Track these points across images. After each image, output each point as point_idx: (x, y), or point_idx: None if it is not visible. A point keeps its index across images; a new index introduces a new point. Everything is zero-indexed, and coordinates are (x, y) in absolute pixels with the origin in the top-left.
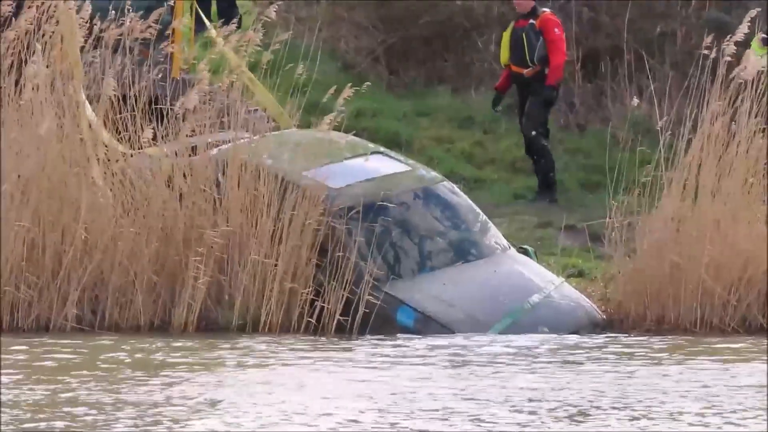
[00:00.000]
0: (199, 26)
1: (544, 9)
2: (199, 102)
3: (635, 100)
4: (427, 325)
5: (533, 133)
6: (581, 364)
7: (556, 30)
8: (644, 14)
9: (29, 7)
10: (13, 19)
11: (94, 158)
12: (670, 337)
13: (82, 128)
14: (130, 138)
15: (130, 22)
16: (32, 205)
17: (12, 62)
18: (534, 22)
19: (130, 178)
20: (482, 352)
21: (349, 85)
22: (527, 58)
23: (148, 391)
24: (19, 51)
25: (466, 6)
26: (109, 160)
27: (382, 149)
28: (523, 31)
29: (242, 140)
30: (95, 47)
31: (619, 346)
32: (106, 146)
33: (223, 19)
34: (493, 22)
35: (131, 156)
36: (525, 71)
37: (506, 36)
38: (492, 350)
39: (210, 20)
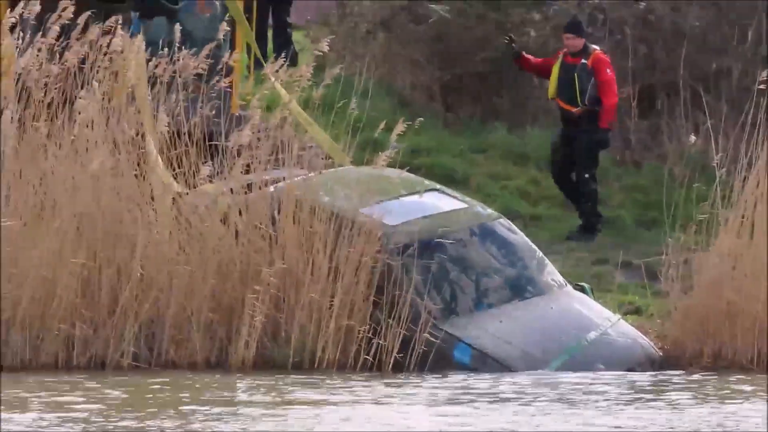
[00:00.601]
0: (257, 63)
1: (595, 47)
2: (253, 138)
3: (692, 137)
4: (483, 362)
5: (586, 175)
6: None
7: (608, 71)
8: (700, 50)
9: (77, 39)
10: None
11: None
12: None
13: (155, 179)
14: (185, 174)
15: (183, 59)
16: (87, 241)
17: (63, 95)
18: (586, 61)
19: (186, 215)
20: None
21: (402, 120)
22: (578, 97)
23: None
24: (70, 85)
25: (521, 42)
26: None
27: (438, 186)
28: (574, 69)
29: (298, 177)
30: (151, 84)
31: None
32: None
33: (278, 56)
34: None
35: (186, 194)
36: (575, 110)
37: (555, 70)
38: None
39: (266, 57)
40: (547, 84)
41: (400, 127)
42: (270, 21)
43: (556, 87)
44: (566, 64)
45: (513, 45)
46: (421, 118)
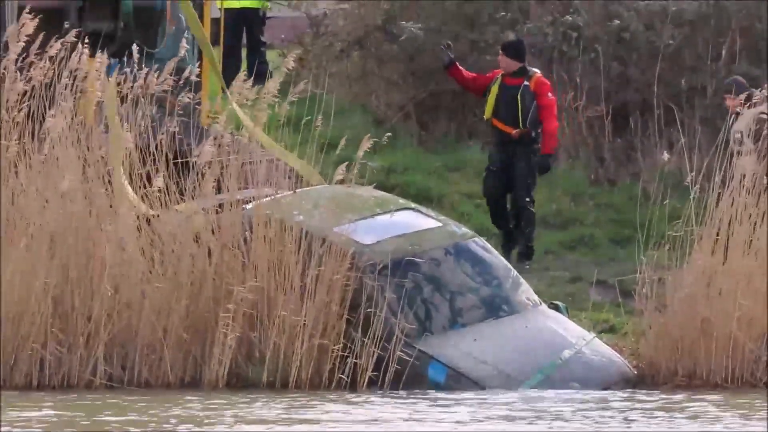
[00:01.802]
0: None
1: (536, 70)
2: (217, 155)
3: (665, 155)
4: (458, 381)
5: (527, 199)
6: None
7: (549, 95)
8: (674, 68)
9: (39, 57)
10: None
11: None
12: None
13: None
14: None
15: (146, 78)
16: (59, 260)
17: (27, 114)
18: (528, 83)
19: (159, 234)
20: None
21: (368, 136)
22: (519, 119)
23: None
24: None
25: (496, 60)
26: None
27: (412, 205)
28: (515, 90)
29: (271, 197)
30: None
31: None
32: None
33: (252, 75)
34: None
35: (156, 217)
36: (513, 132)
37: (494, 90)
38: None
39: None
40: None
41: (366, 144)
42: (243, 40)
43: (493, 108)
44: (506, 85)
45: (449, 52)
46: (389, 133)
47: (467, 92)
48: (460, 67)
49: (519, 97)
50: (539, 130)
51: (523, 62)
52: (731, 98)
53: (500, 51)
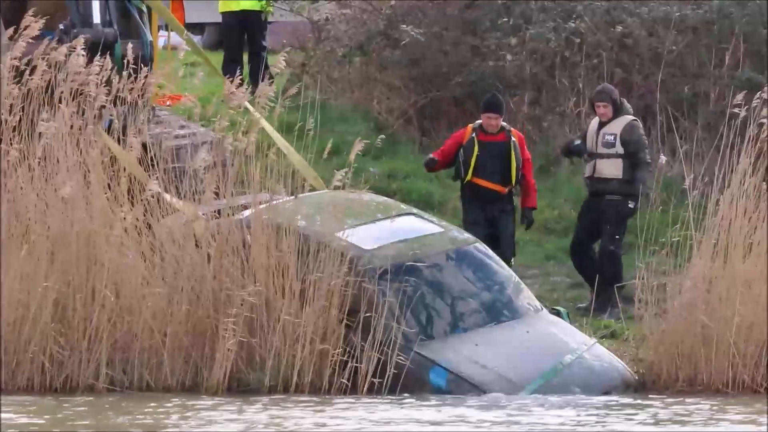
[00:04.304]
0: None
1: (504, 123)
2: (212, 162)
3: (663, 158)
4: (459, 385)
5: (512, 256)
6: None
7: (526, 147)
8: (676, 75)
9: (41, 59)
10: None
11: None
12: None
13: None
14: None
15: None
16: (60, 265)
17: (30, 117)
18: (514, 139)
19: (160, 239)
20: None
21: (359, 139)
22: (513, 175)
23: None
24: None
25: (498, 66)
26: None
27: (414, 210)
28: (504, 146)
29: (273, 202)
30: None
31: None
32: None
33: (254, 80)
34: (525, 83)
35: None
36: (505, 189)
37: (474, 150)
38: None
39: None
40: (530, 111)
41: (358, 147)
42: (245, 46)
43: (473, 167)
44: (487, 143)
45: (432, 160)
46: (382, 135)
47: (468, 98)
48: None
49: (512, 153)
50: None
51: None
52: (604, 105)
53: (489, 113)
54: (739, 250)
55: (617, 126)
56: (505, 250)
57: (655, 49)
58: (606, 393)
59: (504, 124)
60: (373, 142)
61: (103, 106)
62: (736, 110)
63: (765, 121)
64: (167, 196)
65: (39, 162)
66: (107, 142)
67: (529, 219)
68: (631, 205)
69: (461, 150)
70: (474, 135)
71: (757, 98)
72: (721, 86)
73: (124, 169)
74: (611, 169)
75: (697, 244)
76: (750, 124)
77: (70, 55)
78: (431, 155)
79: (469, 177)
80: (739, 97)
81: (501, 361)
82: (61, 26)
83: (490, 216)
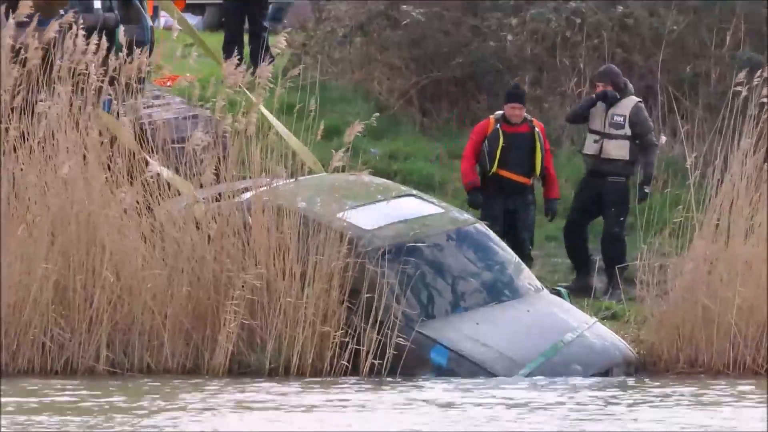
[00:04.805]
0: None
1: (526, 114)
2: (210, 142)
3: (663, 138)
4: (460, 364)
5: (531, 248)
6: None
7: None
8: (677, 55)
9: (34, 37)
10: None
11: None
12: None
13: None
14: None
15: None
16: (60, 246)
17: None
18: (538, 129)
19: (160, 220)
20: None
21: (357, 120)
22: (537, 166)
23: None
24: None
25: (499, 47)
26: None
27: (414, 192)
28: (529, 137)
29: (274, 185)
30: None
31: None
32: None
33: (255, 61)
34: (526, 63)
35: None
36: (530, 181)
37: (499, 142)
38: None
39: (243, 62)
40: (530, 92)
41: (356, 128)
42: (246, 26)
43: (499, 159)
44: (512, 134)
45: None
46: (377, 114)
47: (469, 78)
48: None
49: (538, 143)
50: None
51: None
52: (604, 85)
53: (513, 101)
54: (740, 232)
55: (625, 107)
56: (524, 241)
57: (656, 29)
58: (607, 371)
59: (526, 114)
60: (370, 122)
61: (101, 87)
62: (738, 89)
63: (765, 100)
64: (166, 173)
65: (38, 143)
66: (109, 122)
67: (553, 210)
68: (647, 190)
69: (486, 141)
70: (498, 126)
71: (758, 77)
72: (722, 66)
73: (127, 151)
74: (619, 150)
75: (698, 225)
76: (750, 103)
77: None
78: (472, 186)
79: (494, 169)
80: (741, 75)
81: (502, 339)
82: (62, 12)
83: (511, 208)
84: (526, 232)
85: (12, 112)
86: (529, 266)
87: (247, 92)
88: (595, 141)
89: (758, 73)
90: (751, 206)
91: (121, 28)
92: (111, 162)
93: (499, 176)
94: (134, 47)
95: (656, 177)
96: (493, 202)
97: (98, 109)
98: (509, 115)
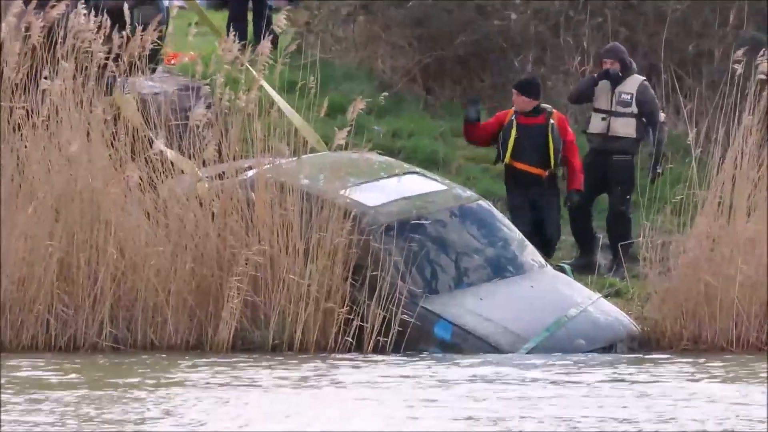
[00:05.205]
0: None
1: (548, 106)
2: (211, 117)
3: (662, 115)
4: (464, 339)
5: (558, 239)
6: None
7: (570, 129)
8: (681, 34)
9: (36, 18)
10: None
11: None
12: None
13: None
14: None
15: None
16: (64, 223)
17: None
18: (553, 121)
19: (163, 197)
20: None
21: (360, 97)
22: (551, 159)
23: None
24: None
25: (503, 25)
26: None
27: (417, 169)
28: (542, 129)
29: (277, 163)
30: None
31: None
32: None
33: (258, 39)
34: (529, 42)
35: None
36: (545, 173)
37: (512, 133)
38: None
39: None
40: (534, 70)
41: (359, 105)
42: (249, 4)
43: (512, 150)
44: (525, 125)
45: (477, 108)
46: (385, 93)
47: (473, 57)
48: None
49: (550, 135)
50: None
51: (538, 100)
52: (612, 62)
53: (514, 90)
54: (743, 209)
55: (631, 85)
56: (550, 233)
57: (659, 8)
58: (611, 346)
59: (546, 106)
60: (376, 101)
61: (106, 64)
62: (736, 66)
63: (763, 77)
64: (170, 153)
65: (42, 121)
66: (122, 103)
67: (573, 201)
68: (659, 170)
69: (501, 132)
70: (513, 117)
71: (761, 56)
72: (725, 45)
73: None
74: (626, 128)
75: (700, 203)
76: (752, 81)
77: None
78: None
79: (507, 159)
80: (739, 53)
81: (506, 314)
82: None
83: (532, 199)
84: (550, 224)
85: (16, 89)
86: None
87: (250, 68)
88: (603, 119)
89: (761, 51)
90: (752, 184)
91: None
92: (115, 139)
93: (514, 167)
94: (151, 26)
95: (665, 154)
96: (514, 193)
97: (117, 90)
98: (513, 102)
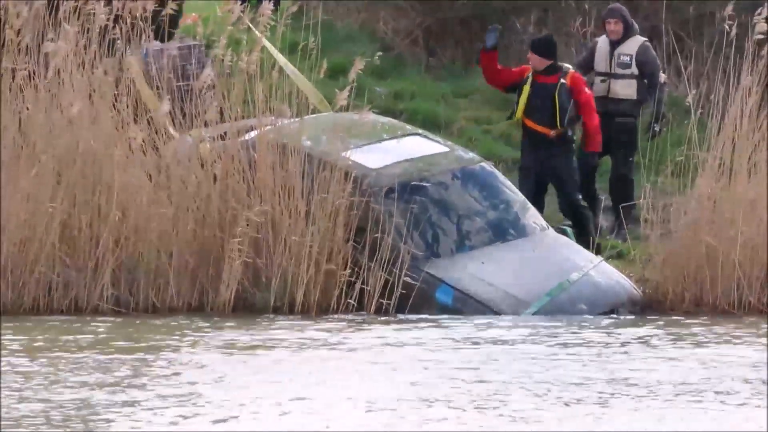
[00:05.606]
0: None
1: (568, 66)
2: (216, 78)
3: (662, 77)
4: (465, 303)
5: (579, 197)
6: None
7: (587, 89)
8: None
9: None
10: None
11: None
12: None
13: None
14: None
15: None
16: (66, 185)
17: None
18: (564, 81)
19: (165, 159)
20: None
21: (359, 57)
22: (557, 118)
23: None
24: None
25: None
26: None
27: (419, 131)
28: (550, 88)
29: (279, 124)
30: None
31: None
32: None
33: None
34: (531, 4)
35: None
36: (552, 132)
37: (525, 90)
38: None
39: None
40: (536, 31)
41: (358, 66)
42: None
43: (524, 108)
44: (538, 84)
45: (497, 35)
46: (380, 53)
47: (474, 18)
48: (495, 56)
49: (556, 95)
50: (574, 128)
51: (553, 59)
52: (615, 22)
53: (530, 49)
54: (743, 171)
55: (631, 46)
56: (568, 192)
57: None
58: (612, 310)
59: (564, 65)
60: (373, 60)
61: (107, 25)
62: (726, 25)
63: (760, 36)
64: (171, 131)
65: (49, 83)
66: (136, 76)
67: (589, 163)
68: (657, 128)
69: (517, 89)
70: (530, 74)
71: (758, 14)
72: (726, 7)
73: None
74: (626, 89)
75: (701, 164)
76: (748, 42)
77: None
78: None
79: (518, 116)
80: (729, 8)
81: (507, 278)
82: None
83: (543, 159)
84: (566, 182)
85: (19, 52)
86: (584, 213)
87: (253, 27)
88: (602, 81)
89: (758, 11)
90: (752, 144)
91: None
92: (117, 101)
93: (526, 126)
94: None
95: (665, 115)
96: (526, 153)
97: (134, 56)
98: (528, 59)
